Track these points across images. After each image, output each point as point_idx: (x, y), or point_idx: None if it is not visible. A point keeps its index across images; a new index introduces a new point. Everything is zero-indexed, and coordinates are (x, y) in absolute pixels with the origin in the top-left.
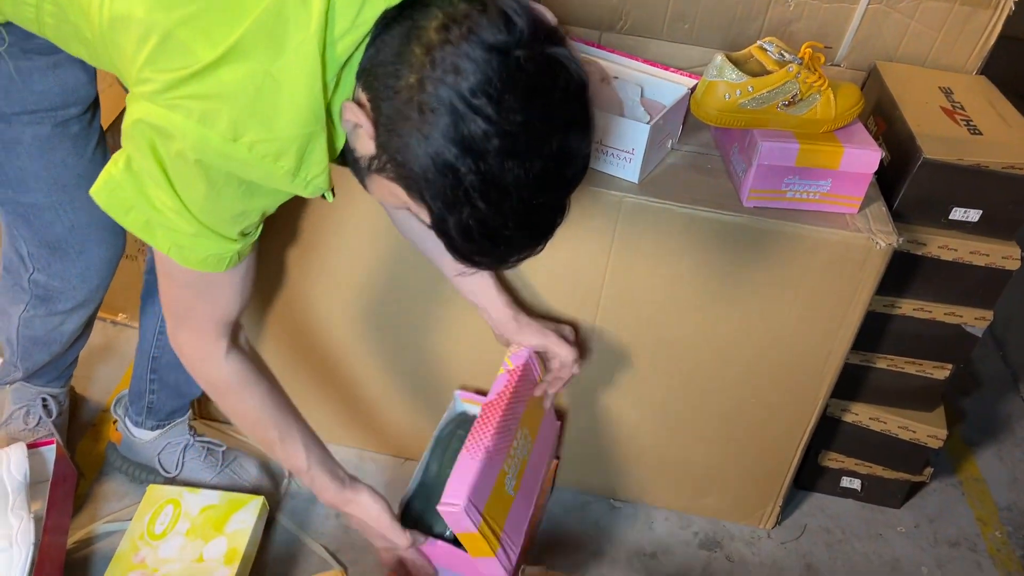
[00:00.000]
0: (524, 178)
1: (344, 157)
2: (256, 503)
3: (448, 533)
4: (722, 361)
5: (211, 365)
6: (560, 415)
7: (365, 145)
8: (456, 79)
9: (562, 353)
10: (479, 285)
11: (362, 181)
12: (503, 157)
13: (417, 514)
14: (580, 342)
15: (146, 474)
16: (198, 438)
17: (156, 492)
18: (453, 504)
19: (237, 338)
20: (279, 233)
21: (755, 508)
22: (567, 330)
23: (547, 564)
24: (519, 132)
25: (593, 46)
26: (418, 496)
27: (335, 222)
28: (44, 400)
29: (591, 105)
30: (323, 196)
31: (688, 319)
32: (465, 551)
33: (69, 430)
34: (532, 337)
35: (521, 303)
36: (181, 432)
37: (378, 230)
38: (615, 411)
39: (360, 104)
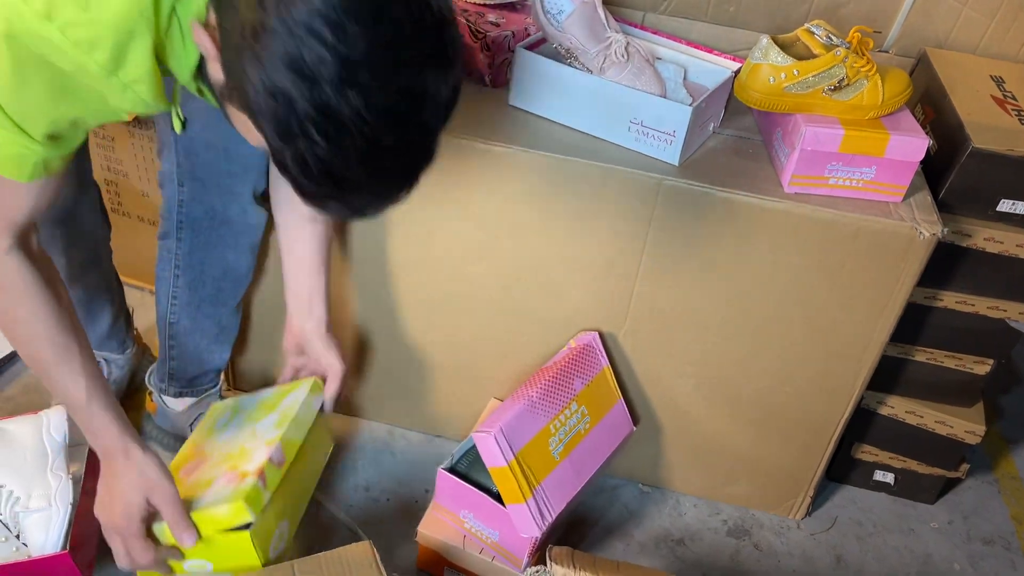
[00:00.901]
0: (365, 113)
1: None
2: (308, 382)
3: (495, 489)
4: (757, 349)
5: None
6: (636, 419)
7: (216, 71)
8: (297, 1)
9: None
10: (304, 284)
11: (226, 116)
12: (341, 86)
13: (463, 472)
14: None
15: (179, 444)
16: None
17: (218, 407)
18: (486, 431)
19: (28, 240)
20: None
21: (785, 498)
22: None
23: (574, 545)
24: (361, 61)
25: (636, 27)
26: (467, 457)
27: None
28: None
29: (455, 44)
30: (172, 127)
31: (725, 304)
32: (502, 504)
33: None
34: (322, 351)
35: (556, 281)
36: (212, 403)
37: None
38: (646, 397)
39: (208, 26)
